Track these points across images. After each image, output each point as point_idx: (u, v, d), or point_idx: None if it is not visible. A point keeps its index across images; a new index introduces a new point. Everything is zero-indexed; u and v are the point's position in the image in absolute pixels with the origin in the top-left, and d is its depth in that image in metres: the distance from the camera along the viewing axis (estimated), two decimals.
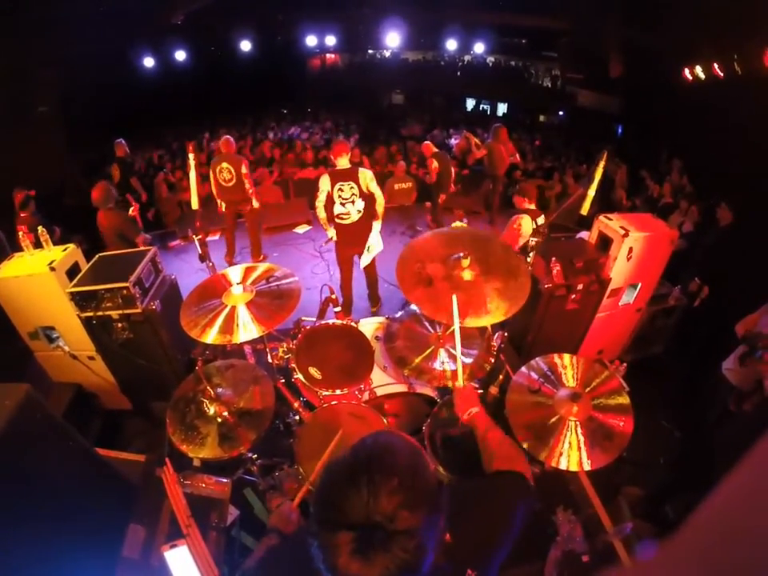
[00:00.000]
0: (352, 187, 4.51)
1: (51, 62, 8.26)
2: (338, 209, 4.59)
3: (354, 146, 9.76)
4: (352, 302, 5.41)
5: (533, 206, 4.39)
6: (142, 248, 3.93)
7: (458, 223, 4.02)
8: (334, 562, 0.83)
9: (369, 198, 4.64)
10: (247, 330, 2.49)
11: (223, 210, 6.49)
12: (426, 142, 7.69)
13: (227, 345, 4.19)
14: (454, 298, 2.07)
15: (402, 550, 0.81)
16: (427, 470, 0.93)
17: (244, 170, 6.07)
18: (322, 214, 4.66)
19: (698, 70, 8.01)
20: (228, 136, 6.31)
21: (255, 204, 6.23)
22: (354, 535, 0.81)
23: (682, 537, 0.45)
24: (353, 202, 4.56)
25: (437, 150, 7.36)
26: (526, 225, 4.15)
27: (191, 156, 3.26)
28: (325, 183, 4.53)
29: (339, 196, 4.53)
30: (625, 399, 2.37)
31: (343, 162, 4.54)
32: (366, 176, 4.56)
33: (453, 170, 7.48)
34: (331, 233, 4.77)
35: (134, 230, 4.97)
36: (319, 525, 0.87)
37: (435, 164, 7.08)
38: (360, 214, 4.64)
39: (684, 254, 5.17)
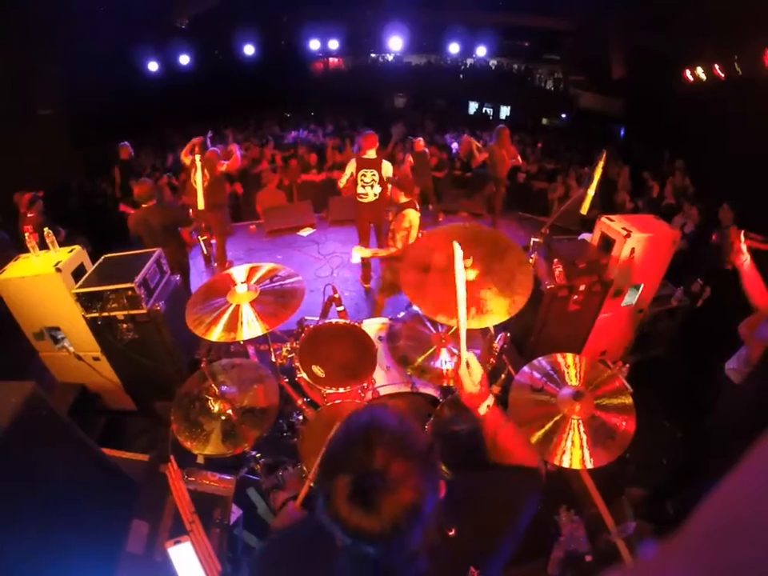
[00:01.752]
0: (374, 174, 5.44)
1: (55, 63, 8.32)
2: (359, 189, 5.54)
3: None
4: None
5: (409, 198, 4.34)
6: (147, 251, 3.95)
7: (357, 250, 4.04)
8: (335, 511, 0.86)
9: (385, 185, 5.48)
10: (251, 327, 2.50)
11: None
12: (418, 138, 8.25)
13: (231, 346, 4.24)
14: (456, 245, 1.64)
15: (403, 492, 0.85)
16: (417, 431, 0.97)
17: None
18: (342, 184, 5.66)
19: (699, 71, 8.02)
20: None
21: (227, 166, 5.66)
22: (351, 479, 0.85)
23: (683, 535, 0.45)
24: (372, 186, 5.49)
25: (421, 151, 8.02)
26: (415, 217, 4.20)
27: (197, 157, 3.26)
28: (351, 167, 5.50)
29: (362, 179, 5.48)
30: (627, 399, 2.38)
31: (371, 154, 5.45)
32: (388, 168, 5.44)
33: (430, 170, 8.44)
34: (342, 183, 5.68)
35: (188, 220, 5.10)
36: (320, 476, 0.93)
37: (410, 158, 7.72)
38: (376, 197, 5.58)
39: (686, 254, 5.17)
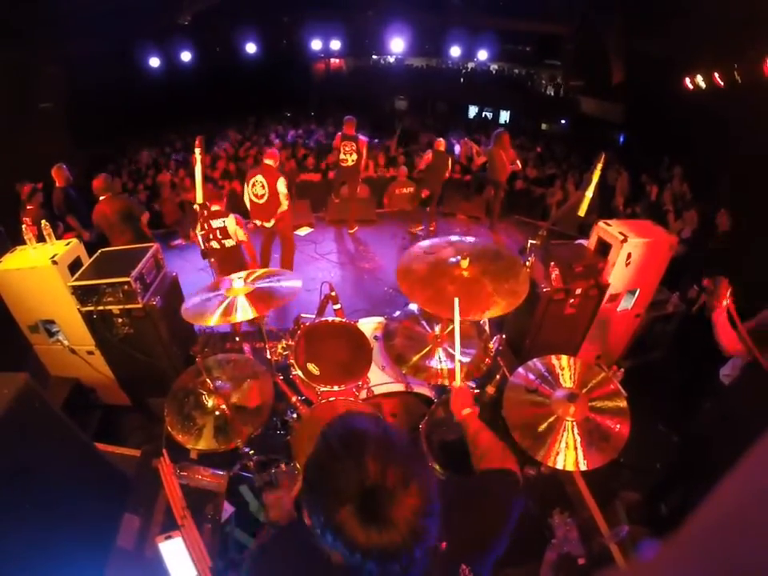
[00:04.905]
0: (352, 146, 7.20)
1: (56, 58, 8.31)
2: (341, 156, 7.33)
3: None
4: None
5: (216, 208, 4.54)
6: (143, 245, 3.94)
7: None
8: (351, 540, 0.83)
9: (360, 156, 7.31)
10: (245, 312, 2.50)
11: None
12: (440, 138, 7.82)
13: (227, 343, 4.23)
14: (456, 300, 2.10)
15: (409, 496, 0.84)
16: (396, 430, 0.96)
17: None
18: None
19: (699, 79, 8.05)
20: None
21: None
22: (355, 506, 0.83)
23: (682, 535, 0.45)
24: (350, 154, 7.25)
25: (442, 151, 7.51)
26: (231, 224, 4.50)
27: (197, 151, 3.24)
28: (337, 140, 7.32)
29: (344, 148, 7.24)
30: (622, 402, 2.38)
31: (350, 132, 7.15)
32: (364, 143, 7.32)
33: (446, 175, 7.66)
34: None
35: (140, 209, 5.44)
36: (319, 514, 0.88)
37: (429, 155, 7.55)
38: (353, 162, 7.34)
39: (683, 259, 5.18)
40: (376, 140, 10.88)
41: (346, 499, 0.84)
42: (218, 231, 4.48)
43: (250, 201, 5.67)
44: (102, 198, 5.10)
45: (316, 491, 0.91)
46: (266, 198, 5.57)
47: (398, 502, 0.83)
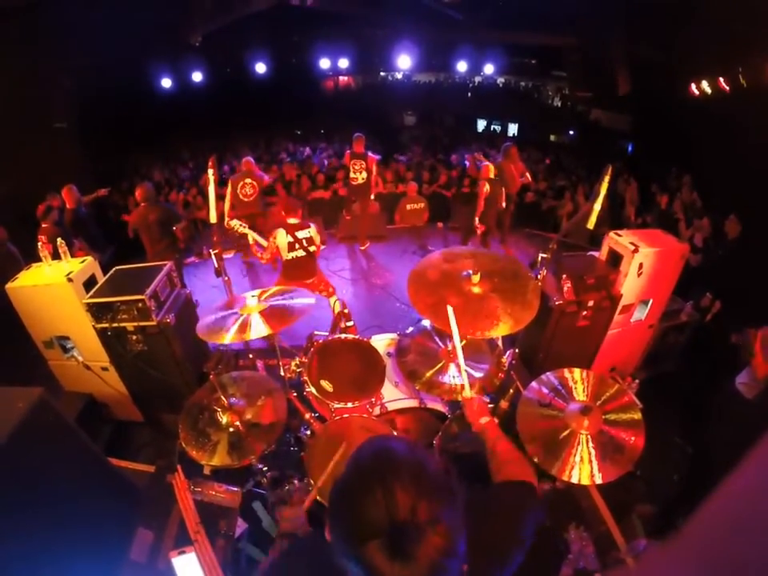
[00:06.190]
0: (361, 164, 7.30)
1: (71, 77, 8.50)
2: (351, 174, 7.45)
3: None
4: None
5: (296, 221, 4.60)
6: (161, 264, 4.00)
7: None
8: (376, 572, 0.82)
9: (369, 173, 7.36)
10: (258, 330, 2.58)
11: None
12: (486, 163, 6.72)
13: (239, 360, 4.26)
14: (450, 309, 2.07)
15: (436, 535, 0.82)
16: (431, 459, 0.93)
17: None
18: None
19: (705, 84, 8.06)
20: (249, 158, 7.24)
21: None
22: (383, 541, 0.81)
23: (684, 534, 0.45)
24: (360, 172, 7.35)
25: (494, 177, 6.58)
26: (281, 238, 4.50)
27: (211, 171, 3.28)
28: (346, 158, 7.49)
29: (353, 167, 7.36)
30: (636, 414, 2.35)
31: (359, 149, 7.25)
32: (374, 160, 7.36)
33: (502, 204, 6.79)
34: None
35: (179, 217, 5.80)
36: (346, 542, 0.86)
37: (487, 188, 6.48)
38: (363, 180, 7.42)
39: (695, 268, 5.13)
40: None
41: (374, 534, 0.81)
42: (304, 240, 4.61)
43: (240, 201, 6.93)
44: (144, 204, 5.43)
45: (342, 519, 0.88)
46: (254, 196, 6.99)
47: (425, 540, 0.81)
